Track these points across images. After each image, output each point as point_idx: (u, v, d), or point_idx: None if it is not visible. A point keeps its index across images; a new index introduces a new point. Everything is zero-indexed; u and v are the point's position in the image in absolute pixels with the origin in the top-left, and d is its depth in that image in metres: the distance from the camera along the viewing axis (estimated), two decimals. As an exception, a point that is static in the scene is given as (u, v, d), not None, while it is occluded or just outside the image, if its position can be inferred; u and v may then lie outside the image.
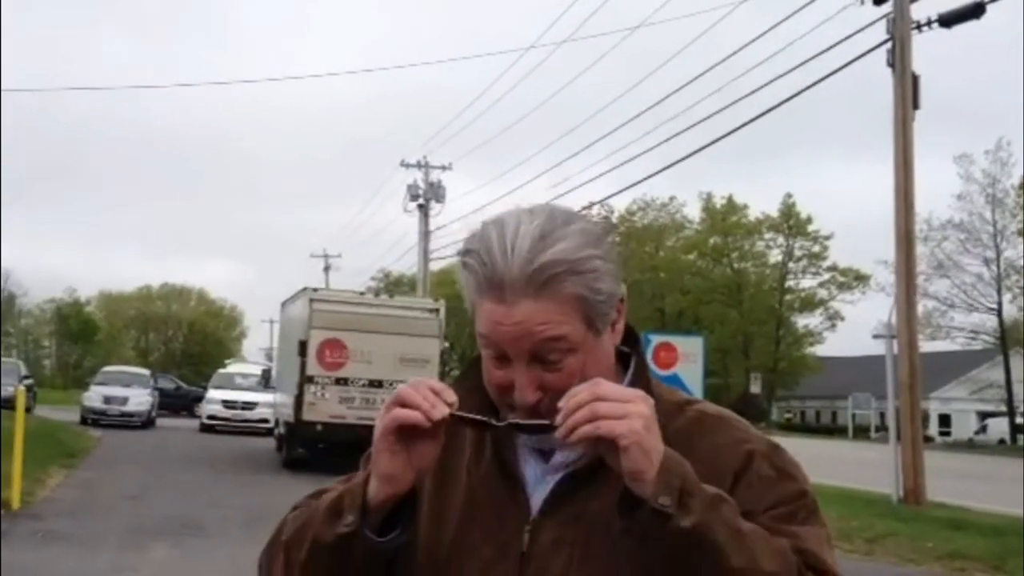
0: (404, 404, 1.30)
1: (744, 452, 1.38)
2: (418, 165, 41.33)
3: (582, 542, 1.35)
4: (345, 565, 1.35)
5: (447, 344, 21.18)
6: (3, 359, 41.00)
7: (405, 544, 1.36)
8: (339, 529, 1.34)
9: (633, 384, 1.42)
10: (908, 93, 16.20)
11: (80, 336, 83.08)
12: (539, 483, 1.41)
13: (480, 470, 1.44)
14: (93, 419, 29.40)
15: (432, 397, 1.30)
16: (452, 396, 1.31)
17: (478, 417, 1.36)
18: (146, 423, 30.55)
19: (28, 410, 15.79)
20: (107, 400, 30.10)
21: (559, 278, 1.30)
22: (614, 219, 72.92)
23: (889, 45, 16.39)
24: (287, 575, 1.41)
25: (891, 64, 16.36)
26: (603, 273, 1.34)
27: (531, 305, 1.30)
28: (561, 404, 1.26)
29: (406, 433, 1.30)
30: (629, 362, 1.49)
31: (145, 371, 37.56)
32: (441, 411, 1.29)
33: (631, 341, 1.49)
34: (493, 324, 1.33)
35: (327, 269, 63.70)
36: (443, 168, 41.34)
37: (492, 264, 1.31)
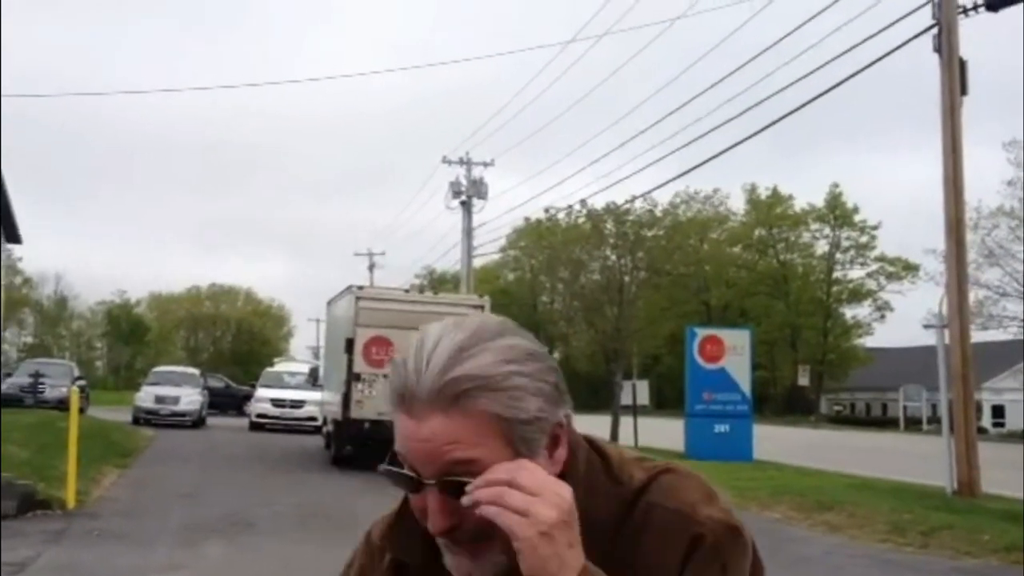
0: None
1: (688, 539, 1.28)
2: (460, 162, 41.41)
3: None
4: None
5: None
6: (56, 361, 41.75)
7: None
8: None
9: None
10: (955, 79, 15.95)
11: (131, 337, 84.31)
12: None
13: None
14: (145, 419, 29.79)
15: None
16: None
17: None
18: (197, 422, 30.90)
19: (82, 411, 16.04)
20: (159, 400, 30.49)
21: (470, 394, 1.21)
22: (657, 212, 72.78)
23: (935, 31, 16.15)
24: None
25: (938, 50, 16.12)
26: (527, 392, 1.23)
27: (440, 421, 1.21)
28: (479, 482, 1.18)
29: None
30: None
31: (195, 371, 38.00)
32: None
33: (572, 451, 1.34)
34: (403, 439, 1.25)
35: (372, 267, 64.07)
36: (485, 164, 41.41)
37: (404, 376, 1.24)
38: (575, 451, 1.33)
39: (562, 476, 1.29)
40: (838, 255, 74.56)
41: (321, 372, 28.66)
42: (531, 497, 1.16)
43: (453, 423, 1.21)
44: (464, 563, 1.27)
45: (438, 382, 1.21)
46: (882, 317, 73.77)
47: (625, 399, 29.17)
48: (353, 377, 18.50)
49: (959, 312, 16.01)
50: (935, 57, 16.17)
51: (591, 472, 1.33)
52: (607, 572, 1.23)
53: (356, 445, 19.59)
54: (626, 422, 28.28)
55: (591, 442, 1.38)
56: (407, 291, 21.49)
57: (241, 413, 38.24)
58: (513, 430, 1.23)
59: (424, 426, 1.22)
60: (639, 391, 29.38)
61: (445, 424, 1.21)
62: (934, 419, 49.14)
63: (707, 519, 1.28)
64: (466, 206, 41.56)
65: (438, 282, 62.93)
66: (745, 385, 24.98)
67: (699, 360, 24.85)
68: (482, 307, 19.50)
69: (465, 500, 1.18)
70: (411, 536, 1.35)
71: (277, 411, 30.91)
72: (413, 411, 1.23)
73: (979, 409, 46.33)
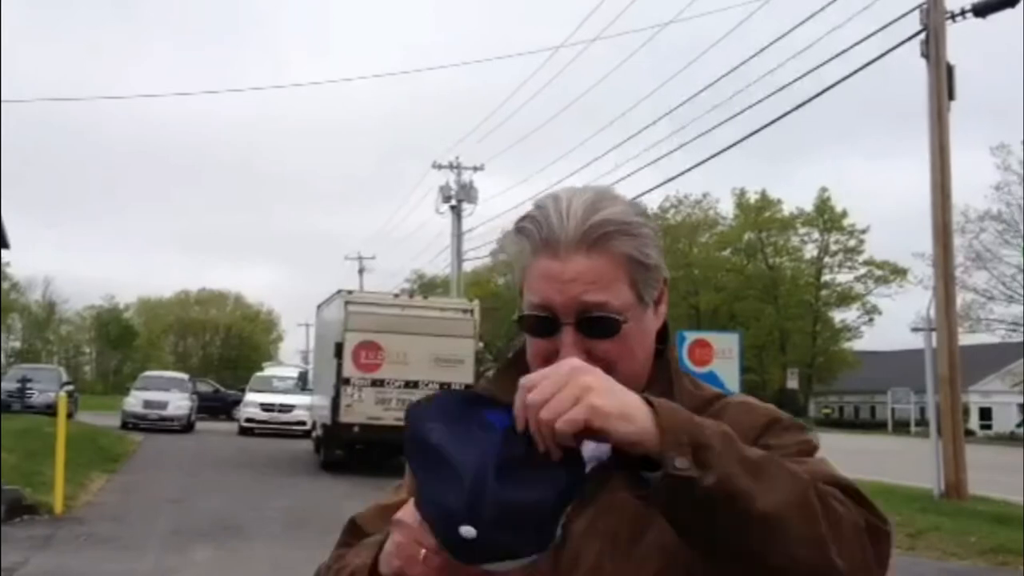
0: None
1: (767, 418, 1.41)
2: (450, 166, 41.39)
3: (612, 531, 1.37)
4: None
5: (481, 344, 21.21)
6: (44, 366, 41.59)
7: None
8: None
9: (659, 378, 1.44)
10: (943, 84, 16.03)
11: (120, 342, 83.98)
12: None
13: None
14: (134, 424, 29.71)
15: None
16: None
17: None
18: (186, 427, 30.80)
19: (70, 416, 16.01)
20: (147, 405, 30.39)
21: (611, 236, 1.35)
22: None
23: (923, 36, 16.23)
24: None
25: (925, 55, 16.20)
26: (651, 241, 1.39)
27: (584, 262, 1.34)
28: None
29: None
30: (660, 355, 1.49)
31: (184, 375, 37.88)
32: None
33: (662, 335, 1.49)
34: (546, 281, 1.36)
35: (361, 272, 63.94)
36: (475, 169, 41.39)
37: (548, 225, 1.36)
38: (669, 346, 1.49)
39: (658, 355, 1.46)
40: (827, 259, 74.73)
41: (311, 376, 28.61)
42: (561, 388, 1.20)
43: (594, 263, 1.35)
44: None
45: (583, 225, 1.34)
46: (870, 320, 73.95)
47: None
48: (343, 381, 18.48)
49: (946, 315, 16.08)
50: (923, 62, 16.26)
51: (678, 369, 1.49)
52: None
53: (345, 449, 19.57)
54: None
55: None
56: (397, 296, 21.47)
57: (230, 418, 38.13)
58: (640, 274, 1.38)
59: (569, 266, 1.34)
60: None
61: (588, 264, 1.34)
62: (922, 422, 49.30)
63: (786, 415, 1.44)
64: (456, 211, 41.53)
65: (428, 286, 62.74)
66: (734, 389, 24.98)
67: (688, 364, 24.81)
68: (471, 311, 19.51)
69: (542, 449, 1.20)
70: (515, 381, 1.41)
71: (266, 415, 30.83)
72: (560, 253, 1.35)
73: (966, 412, 46.47)
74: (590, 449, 1.41)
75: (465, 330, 19.02)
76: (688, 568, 1.33)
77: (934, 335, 16.04)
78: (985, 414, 64.23)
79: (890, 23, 16.81)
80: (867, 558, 1.24)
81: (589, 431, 1.20)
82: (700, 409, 1.40)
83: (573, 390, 1.20)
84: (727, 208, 77.67)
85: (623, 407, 1.20)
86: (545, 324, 1.38)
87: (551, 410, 1.19)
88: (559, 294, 1.35)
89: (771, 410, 1.44)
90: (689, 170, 24.81)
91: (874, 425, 67.78)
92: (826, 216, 73.19)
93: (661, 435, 1.19)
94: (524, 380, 1.24)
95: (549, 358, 1.36)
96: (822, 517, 1.22)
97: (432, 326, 18.81)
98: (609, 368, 1.34)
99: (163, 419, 30.09)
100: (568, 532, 1.38)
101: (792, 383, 69.26)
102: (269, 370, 41.48)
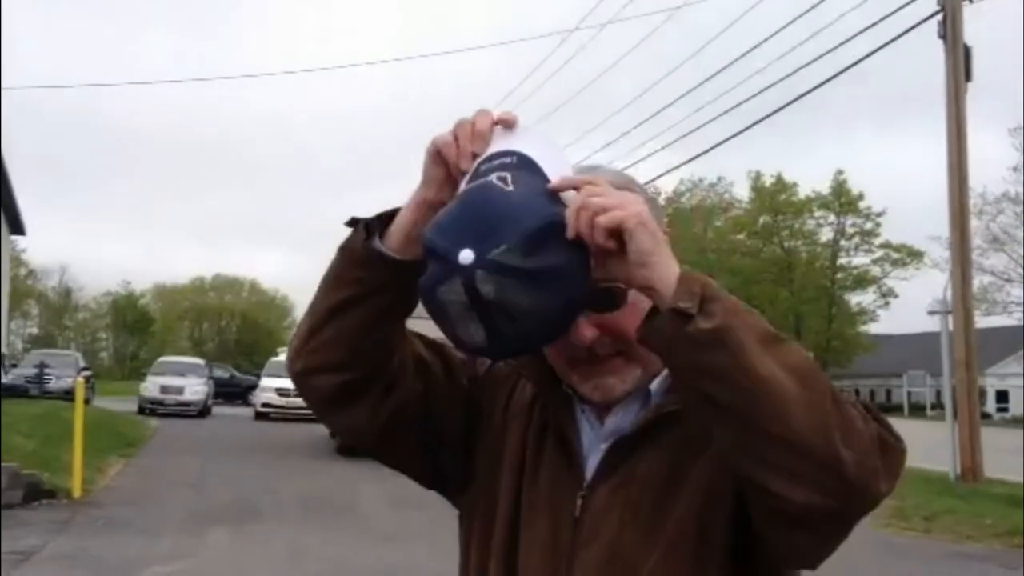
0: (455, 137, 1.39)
1: None
2: (464, 151, 41.29)
3: (633, 504, 1.37)
4: (349, 267, 1.47)
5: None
6: (62, 352, 41.81)
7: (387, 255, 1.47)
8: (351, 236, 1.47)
9: None
10: (960, 65, 15.89)
11: (136, 328, 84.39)
12: (593, 450, 1.44)
13: (541, 442, 1.48)
14: (150, 409, 29.88)
15: (467, 148, 1.39)
16: (481, 147, 1.37)
17: None
18: (202, 412, 30.97)
19: (87, 401, 16.10)
20: (164, 390, 30.55)
21: None
22: (662, 200, 72.61)
23: (940, 17, 16.10)
24: (321, 286, 1.53)
25: (942, 36, 16.07)
26: (648, 205, 1.34)
27: None
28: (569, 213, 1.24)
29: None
30: None
31: (200, 361, 38.02)
32: (466, 165, 1.38)
33: None
34: None
35: (376, 257, 63.93)
36: (488, 154, 41.29)
37: None
38: None
39: None
40: (843, 242, 74.44)
41: (326, 361, 28.56)
42: (617, 195, 1.25)
43: None
44: (605, 380, 1.38)
45: None
46: (887, 304, 73.64)
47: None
48: (357, 366, 18.53)
49: (963, 298, 15.99)
50: (940, 43, 16.12)
51: None
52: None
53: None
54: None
55: None
56: (411, 280, 21.46)
57: (246, 403, 38.29)
58: None
59: None
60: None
61: None
62: (938, 405, 49.14)
63: None
64: (469, 195, 41.48)
65: (442, 271, 62.81)
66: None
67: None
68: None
69: (570, 232, 1.23)
70: (540, 363, 1.47)
71: (282, 400, 30.91)
72: None
73: (983, 395, 46.33)
74: (612, 425, 1.42)
75: (478, 313, 19.02)
76: (713, 540, 1.34)
77: (950, 318, 15.96)
78: (1002, 397, 63.96)
79: (906, 3, 16.67)
80: (877, 465, 1.23)
81: (617, 240, 1.22)
82: None
83: (633, 206, 1.23)
84: (742, 191, 77.39)
85: (658, 248, 1.23)
86: None
87: (601, 205, 1.22)
88: None
89: None
90: (704, 153, 24.63)
91: (890, 408, 67.54)
92: (842, 199, 72.81)
93: (680, 282, 1.20)
94: (587, 188, 1.26)
95: (563, 347, 1.39)
96: (832, 404, 1.20)
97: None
98: (622, 339, 1.36)
99: (180, 404, 30.25)
100: (589, 504, 1.39)
101: (807, 367, 68.90)
102: (284, 355, 41.56)
